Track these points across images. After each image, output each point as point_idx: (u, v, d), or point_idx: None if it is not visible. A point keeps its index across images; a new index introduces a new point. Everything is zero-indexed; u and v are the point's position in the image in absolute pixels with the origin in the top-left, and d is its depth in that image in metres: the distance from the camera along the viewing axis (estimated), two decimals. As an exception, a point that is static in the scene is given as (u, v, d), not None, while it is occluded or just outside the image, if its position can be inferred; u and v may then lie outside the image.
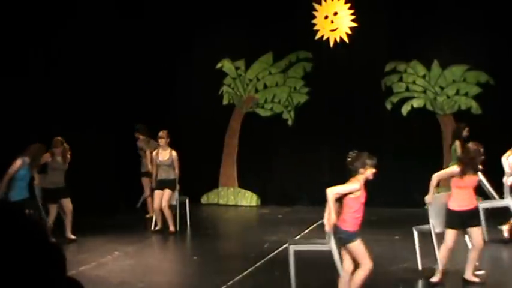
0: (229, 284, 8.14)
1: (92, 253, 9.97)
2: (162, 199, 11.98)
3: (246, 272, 8.83)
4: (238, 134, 15.31)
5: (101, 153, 13.81)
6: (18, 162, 10.60)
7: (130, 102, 14.58)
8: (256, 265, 9.24)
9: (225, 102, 15.39)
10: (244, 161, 15.18)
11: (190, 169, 15.20)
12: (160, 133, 12.31)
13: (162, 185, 12.16)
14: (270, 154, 15.05)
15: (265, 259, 9.62)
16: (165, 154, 12.23)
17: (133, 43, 14.51)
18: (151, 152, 12.70)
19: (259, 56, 15.19)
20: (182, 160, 15.28)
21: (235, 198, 15.22)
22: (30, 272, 1.11)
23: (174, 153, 12.37)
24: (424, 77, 14.34)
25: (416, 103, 14.35)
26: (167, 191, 12.11)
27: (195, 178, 15.15)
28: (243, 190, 15.20)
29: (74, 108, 13.31)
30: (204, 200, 15.35)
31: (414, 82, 14.39)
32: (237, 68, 15.33)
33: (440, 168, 14.04)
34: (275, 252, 10.07)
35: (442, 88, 14.26)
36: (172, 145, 15.28)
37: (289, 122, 15.03)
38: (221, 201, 15.26)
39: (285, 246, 10.49)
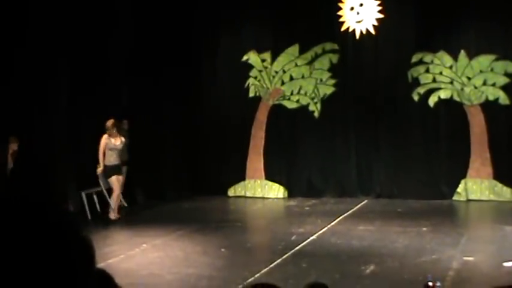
0: (256, 276, 8.19)
1: (120, 246, 10.08)
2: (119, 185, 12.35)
3: (273, 264, 8.87)
4: (265, 127, 15.32)
5: (131, 147, 13.92)
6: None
7: (157, 95, 14.65)
8: (284, 257, 9.28)
9: (251, 94, 15.40)
10: (271, 153, 15.19)
11: (217, 162, 15.32)
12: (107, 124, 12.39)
13: (117, 169, 12.52)
14: (296, 146, 15.05)
15: (293, 251, 9.65)
16: (117, 140, 12.38)
17: (161, 35, 14.56)
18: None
19: (286, 48, 15.18)
20: (209, 153, 15.42)
21: (262, 190, 15.25)
22: (56, 264, 1.13)
23: (123, 139, 12.71)
24: (451, 67, 14.22)
25: (443, 94, 14.25)
26: (121, 177, 12.61)
27: (222, 171, 15.23)
28: (270, 182, 15.22)
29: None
30: (231, 192, 15.40)
31: (441, 73, 14.28)
32: (263, 60, 15.33)
33: (468, 159, 14.01)
34: (302, 244, 10.09)
35: (469, 78, 14.13)
36: (198, 138, 15.42)
37: (316, 114, 15.00)
38: (248, 194, 15.29)
39: (312, 238, 10.54)
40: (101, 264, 8.26)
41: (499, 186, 13.87)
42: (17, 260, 1.09)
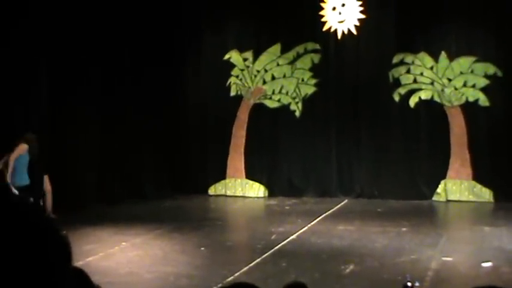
0: (236, 274, 8.17)
1: (99, 244, 10.01)
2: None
3: (253, 263, 8.86)
4: (246, 125, 15.31)
5: (111, 146, 13.87)
6: (22, 148, 10.85)
7: (138, 93, 14.59)
8: (264, 256, 9.27)
9: (232, 93, 15.39)
10: (252, 152, 15.19)
11: (198, 160, 15.30)
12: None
13: None
14: (277, 145, 15.06)
15: (273, 250, 9.64)
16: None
17: (144, 34, 14.49)
18: None
19: (267, 48, 15.18)
20: (190, 151, 15.39)
21: (243, 189, 15.24)
22: (33, 262, 1.11)
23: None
24: (431, 68, 14.30)
25: (424, 95, 14.32)
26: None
27: (203, 169, 15.21)
28: (251, 181, 15.22)
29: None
30: (211, 191, 15.37)
31: (422, 74, 14.35)
32: (245, 60, 15.32)
33: (448, 159, 14.10)
34: (282, 244, 10.09)
35: (449, 80, 14.22)
36: (179, 137, 15.38)
37: (297, 114, 15.02)
38: (228, 193, 15.27)
39: (292, 237, 10.54)
40: (80, 263, 8.22)
41: (478, 187, 13.97)
42: None
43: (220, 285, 7.56)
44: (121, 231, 11.00)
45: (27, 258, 1.10)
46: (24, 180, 11.02)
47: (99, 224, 11.51)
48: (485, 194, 13.90)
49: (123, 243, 10.12)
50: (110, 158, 13.90)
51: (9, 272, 1.08)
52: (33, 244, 1.12)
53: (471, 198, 13.97)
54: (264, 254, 9.39)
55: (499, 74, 13.84)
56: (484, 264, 8.57)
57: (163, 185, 14.95)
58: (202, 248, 9.85)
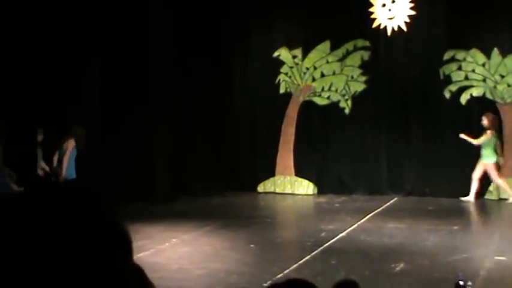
0: (286, 272, 8.19)
1: (150, 240, 10.13)
2: None
3: (302, 261, 8.86)
4: (295, 123, 15.30)
5: (161, 144, 14.02)
6: (72, 143, 11.15)
7: (189, 93, 14.70)
8: (313, 253, 9.27)
9: (282, 91, 15.40)
10: (301, 149, 15.18)
11: (247, 158, 15.35)
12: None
13: None
14: (326, 143, 15.01)
15: (322, 248, 9.63)
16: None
17: (193, 34, 14.60)
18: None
19: (317, 45, 15.14)
20: (239, 149, 15.44)
21: (292, 186, 15.25)
22: (96, 256, 1.12)
23: None
24: (483, 65, 14.07)
25: (475, 92, 14.11)
26: None
27: (252, 167, 15.26)
28: (300, 179, 15.21)
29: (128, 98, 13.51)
30: (260, 188, 15.42)
31: (473, 71, 14.14)
32: (294, 57, 15.31)
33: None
34: (332, 241, 10.07)
35: (502, 76, 13.98)
36: (229, 134, 15.45)
37: (346, 111, 14.95)
38: (278, 190, 15.30)
39: (342, 235, 10.51)
40: (131, 258, 8.36)
41: (532, 185, 13.71)
42: (55, 251, 1.09)
43: (270, 282, 7.59)
44: (171, 228, 11.12)
45: (89, 252, 1.11)
46: (71, 174, 11.38)
47: (149, 221, 11.64)
48: (539, 193, 13.63)
49: (173, 240, 10.23)
50: (160, 156, 14.03)
51: (73, 267, 1.09)
52: (94, 237, 1.13)
53: (524, 196, 13.71)
54: (314, 251, 9.39)
55: (553, 70, 13.56)
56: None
57: (212, 183, 15.05)
58: (252, 245, 9.89)
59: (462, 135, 13.46)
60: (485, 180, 13.93)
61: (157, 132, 14.00)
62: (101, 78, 13.30)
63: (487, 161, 13.43)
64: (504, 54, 13.92)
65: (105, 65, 13.21)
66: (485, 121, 13.45)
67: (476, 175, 13.52)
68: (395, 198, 14.04)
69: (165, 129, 14.17)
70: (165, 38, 14.16)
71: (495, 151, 13.47)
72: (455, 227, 10.97)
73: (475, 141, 13.42)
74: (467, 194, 13.65)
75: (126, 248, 1.19)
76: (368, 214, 12.32)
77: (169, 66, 14.31)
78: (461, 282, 5.48)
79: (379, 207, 13.03)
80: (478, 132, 13.96)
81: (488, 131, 13.41)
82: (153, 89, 13.98)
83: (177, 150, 14.44)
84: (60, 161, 11.65)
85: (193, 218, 11.99)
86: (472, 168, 13.93)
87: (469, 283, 5.85)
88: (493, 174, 13.46)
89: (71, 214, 1.13)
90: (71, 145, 11.54)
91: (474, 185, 13.55)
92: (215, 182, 15.11)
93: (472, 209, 13.05)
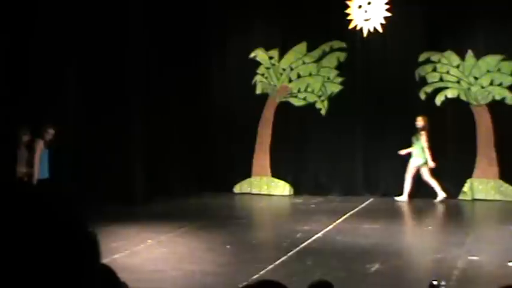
0: (261, 272, 8.20)
1: (126, 241, 10.09)
2: None
3: (278, 261, 8.88)
4: (272, 124, 15.33)
5: (138, 144, 13.97)
6: (40, 143, 11.09)
7: (165, 93, 14.66)
8: (289, 254, 9.29)
9: (258, 91, 15.42)
10: (277, 150, 15.20)
11: (223, 158, 15.34)
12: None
13: None
14: (303, 144, 15.05)
15: (298, 248, 9.66)
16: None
17: (170, 34, 14.56)
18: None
19: (293, 46, 15.18)
20: (216, 149, 15.43)
21: (268, 187, 15.27)
22: (62, 259, 1.13)
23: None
24: (458, 67, 14.21)
25: (450, 93, 14.24)
26: None
27: (228, 167, 15.25)
28: (276, 179, 15.24)
29: (101, 100, 13.46)
30: (236, 189, 15.42)
31: (448, 72, 14.27)
32: (270, 58, 15.34)
33: (474, 158, 14.00)
34: (307, 242, 10.10)
35: (476, 78, 14.12)
36: (205, 135, 15.43)
37: (323, 112, 15.01)
38: (254, 191, 15.31)
39: (318, 235, 10.55)
40: (106, 260, 8.30)
41: (505, 186, 13.87)
42: (23, 256, 1.09)
43: (245, 283, 7.60)
44: (147, 229, 11.08)
45: (56, 256, 1.11)
46: (44, 174, 11.30)
47: (125, 222, 11.60)
48: (512, 193, 13.80)
49: (149, 241, 10.19)
50: (137, 157, 13.98)
51: (38, 269, 1.09)
52: (61, 241, 1.13)
53: (497, 197, 13.87)
54: (290, 252, 9.42)
55: (527, 72, 13.73)
56: (511, 264, 8.52)
57: (189, 183, 15.02)
58: (228, 246, 9.90)
59: (402, 152, 13.79)
60: (460, 180, 14.07)
61: (134, 133, 13.95)
62: (77, 78, 13.23)
63: (418, 161, 13.73)
64: (478, 56, 14.06)
65: (82, 64, 13.14)
66: (421, 122, 13.71)
67: (409, 175, 13.82)
68: (371, 199, 14.12)
69: (142, 129, 14.11)
70: (142, 37, 14.11)
71: (423, 151, 13.68)
72: (430, 228, 11.07)
73: (424, 144, 13.66)
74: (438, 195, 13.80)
75: (92, 249, 1.19)
76: (344, 215, 12.38)
77: (147, 66, 14.26)
78: (434, 282, 5.53)
79: (354, 208, 13.10)
80: (452, 133, 14.11)
81: (423, 132, 13.68)
82: (130, 89, 13.93)
83: (154, 151, 14.39)
84: (30, 162, 11.56)
85: (169, 219, 11.96)
86: (446, 169, 14.06)
87: (443, 283, 5.92)
88: (425, 173, 13.73)
89: (34, 216, 1.13)
90: (38, 145, 11.46)
91: (407, 185, 13.82)
92: (192, 183, 15.09)
93: (446, 209, 13.16)
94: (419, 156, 13.73)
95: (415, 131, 13.83)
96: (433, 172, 14.07)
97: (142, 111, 14.18)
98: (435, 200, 13.55)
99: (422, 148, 13.69)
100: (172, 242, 10.22)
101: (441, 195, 13.59)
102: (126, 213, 12.42)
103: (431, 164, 13.62)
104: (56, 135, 11.81)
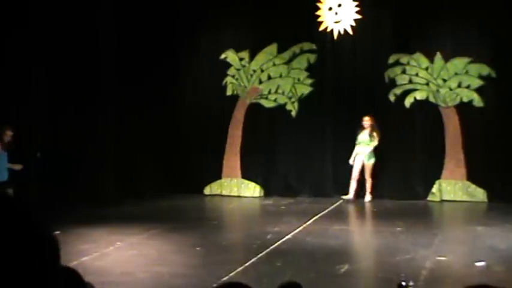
0: (231, 274, 8.19)
1: (94, 244, 10.02)
2: None
3: (248, 263, 8.87)
4: (242, 125, 15.33)
5: (108, 145, 13.88)
6: None
7: (133, 93, 14.58)
8: (259, 256, 9.29)
9: (228, 93, 15.41)
10: (248, 152, 15.21)
11: (194, 160, 15.31)
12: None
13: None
14: (273, 145, 15.08)
15: (268, 250, 9.66)
16: None
17: (141, 34, 14.49)
18: None
19: (264, 47, 15.20)
20: (186, 151, 15.39)
21: (239, 189, 15.27)
22: (21, 261, 1.12)
23: None
24: (426, 69, 14.34)
25: (419, 95, 14.36)
26: None
27: (199, 169, 15.22)
28: (246, 181, 15.24)
29: (75, 98, 13.36)
30: (207, 191, 15.40)
31: (417, 74, 14.39)
32: (241, 59, 15.34)
33: (442, 160, 14.14)
34: (277, 243, 10.11)
35: (444, 80, 14.26)
36: (176, 137, 15.39)
37: (293, 113, 15.05)
38: (224, 192, 15.30)
39: (288, 237, 10.57)
40: (74, 262, 8.25)
41: (472, 187, 14.02)
42: None
43: (215, 285, 7.58)
44: (116, 231, 11.01)
45: (15, 258, 1.10)
46: (2, 176, 11.14)
47: (94, 224, 11.52)
48: (479, 194, 13.96)
49: (118, 243, 10.13)
50: (107, 158, 13.90)
51: None
52: (20, 242, 1.12)
53: (465, 198, 14.02)
54: (259, 253, 9.41)
55: (493, 75, 13.89)
56: (477, 264, 8.61)
57: (159, 185, 14.97)
58: (198, 248, 9.87)
59: (351, 161, 14.11)
60: (429, 182, 14.20)
61: (104, 133, 13.86)
62: (48, 78, 13.08)
63: (370, 161, 14.04)
64: (446, 58, 14.20)
65: (52, 65, 13.00)
66: (370, 122, 14.01)
67: (356, 174, 14.12)
68: (341, 201, 14.18)
69: (112, 130, 14.03)
70: (112, 38, 14.04)
71: (372, 151, 14.02)
72: (399, 229, 11.14)
73: (372, 146, 14.01)
74: (410, 196, 13.91)
75: (50, 252, 1.18)
76: (313, 216, 12.41)
77: (117, 66, 14.17)
78: (403, 283, 5.57)
79: (324, 210, 13.15)
80: (421, 134, 14.23)
81: (374, 132, 13.95)
82: (100, 90, 13.84)
83: (124, 152, 14.31)
84: None
85: (139, 221, 11.89)
86: (415, 170, 14.19)
87: (411, 283, 5.96)
88: (369, 173, 14.04)
89: None
90: None
91: (353, 184, 14.12)
92: (162, 184, 15.03)
93: (415, 211, 13.26)
94: (372, 156, 13.99)
95: (360, 130, 14.09)
96: (403, 173, 14.20)
97: (112, 112, 14.10)
98: (342, 197, 14.12)
99: (371, 147, 13.97)
100: (142, 244, 10.17)
101: (350, 195, 14.05)
102: (96, 215, 12.33)
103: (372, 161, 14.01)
104: (14, 137, 11.63)
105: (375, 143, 14.01)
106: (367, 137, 14.02)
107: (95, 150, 13.64)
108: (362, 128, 14.08)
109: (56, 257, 1.20)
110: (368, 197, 14.02)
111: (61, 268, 1.25)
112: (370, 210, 13.31)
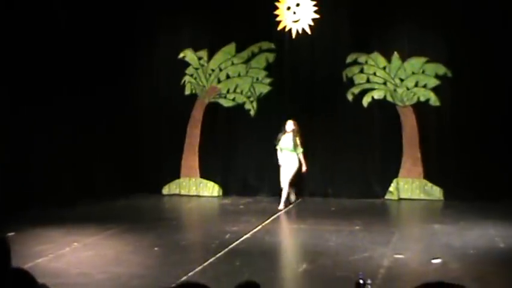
0: (190, 274, 8.14)
1: (50, 245, 9.86)
2: None
3: (206, 263, 8.83)
4: (201, 124, 15.27)
5: (64, 144, 13.70)
6: None
7: (89, 92, 14.41)
8: (218, 255, 9.25)
9: (187, 92, 15.33)
10: (206, 151, 15.16)
11: (151, 159, 15.21)
12: None
13: None
14: (232, 144, 15.05)
15: (226, 249, 9.63)
16: None
17: (98, 33, 14.34)
18: None
19: (222, 47, 15.16)
20: (144, 150, 15.27)
21: (197, 188, 15.20)
22: None
23: None
24: (384, 68, 14.46)
25: (376, 94, 14.47)
26: None
27: (156, 168, 15.12)
28: (205, 180, 15.18)
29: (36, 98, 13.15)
30: (165, 190, 15.30)
31: (375, 74, 14.50)
32: (199, 58, 15.28)
33: (400, 158, 14.27)
34: (236, 243, 10.09)
35: (401, 80, 14.39)
36: (133, 136, 15.25)
37: (252, 113, 15.03)
38: (183, 192, 15.22)
39: (246, 236, 10.55)
40: (29, 264, 8.11)
41: (429, 185, 14.18)
42: None
43: (173, 285, 7.52)
44: (72, 232, 10.87)
45: None
46: None
47: (50, 225, 11.34)
48: (436, 192, 14.13)
49: (75, 244, 10.00)
50: (62, 157, 13.71)
51: None
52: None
53: (422, 196, 14.18)
54: (218, 253, 9.38)
55: (449, 74, 14.06)
56: (434, 261, 8.71)
57: (116, 185, 14.80)
58: (156, 248, 9.80)
59: (304, 169, 13.33)
60: (387, 180, 14.32)
61: (59, 133, 13.67)
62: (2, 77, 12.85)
63: (296, 165, 13.22)
64: (403, 58, 14.34)
65: (4, 63, 12.77)
66: (294, 126, 13.39)
67: (286, 181, 13.29)
68: (299, 200, 14.21)
69: (67, 129, 13.84)
70: (68, 36, 13.85)
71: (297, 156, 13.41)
72: (357, 227, 11.21)
73: (301, 152, 13.31)
74: (368, 195, 14.01)
75: (3, 256, 1.14)
76: (272, 215, 12.42)
77: (72, 64, 13.99)
78: (361, 281, 5.57)
79: (283, 209, 13.15)
80: (378, 133, 14.34)
81: (298, 139, 13.39)
82: (55, 88, 13.64)
83: (80, 151, 14.14)
84: None
85: (95, 221, 11.75)
86: (373, 169, 14.30)
87: (369, 281, 5.96)
88: (290, 181, 13.31)
89: None
90: None
91: (285, 192, 13.28)
92: (119, 184, 14.87)
93: (373, 209, 13.36)
94: (295, 161, 13.32)
95: (282, 133, 13.45)
96: (361, 172, 14.30)
97: (67, 110, 13.90)
98: (279, 207, 13.15)
99: (296, 156, 13.31)
100: (98, 245, 10.05)
101: (281, 205, 13.18)
102: (52, 216, 12.14)
103: (305, 168, 13.34)
104: None
105: (300, 151, 13.32)
106: (291, 144, 13.27)
107: (50, 150, 13.44)
108: (284, 131, 13.41)
109: (5, 258, 1.16)
110: (281, 205, 13.18)
111: (10, 270, 1.20)
112: (329, 209, 13.36)
